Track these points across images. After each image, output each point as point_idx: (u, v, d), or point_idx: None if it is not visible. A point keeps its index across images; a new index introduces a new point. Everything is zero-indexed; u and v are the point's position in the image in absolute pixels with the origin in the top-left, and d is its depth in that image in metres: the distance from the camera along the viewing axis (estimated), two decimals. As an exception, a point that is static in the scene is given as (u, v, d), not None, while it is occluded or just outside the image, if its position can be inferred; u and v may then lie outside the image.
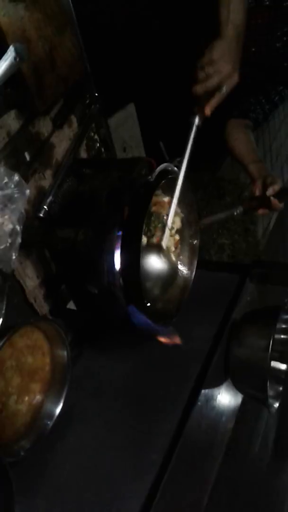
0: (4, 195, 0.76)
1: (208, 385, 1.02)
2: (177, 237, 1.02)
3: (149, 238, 0.96)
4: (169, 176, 0.92)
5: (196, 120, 1.02)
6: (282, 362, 1.20)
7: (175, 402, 0.98)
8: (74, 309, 1.05)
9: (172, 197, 0.95)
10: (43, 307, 1.03)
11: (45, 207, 0.92)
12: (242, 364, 1.10)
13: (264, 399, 1.07)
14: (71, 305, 1.05)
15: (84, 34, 0.98)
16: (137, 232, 0.83)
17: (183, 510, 0.95)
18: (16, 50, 0.74)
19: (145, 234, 0.93)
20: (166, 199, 0.99)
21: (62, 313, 1.05)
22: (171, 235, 0.99)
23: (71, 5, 0.92)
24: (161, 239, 0.96)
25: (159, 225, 0.96)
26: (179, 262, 1.05)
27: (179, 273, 1.06)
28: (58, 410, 0.96)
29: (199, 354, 1.06)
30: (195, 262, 1.07)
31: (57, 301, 1.04)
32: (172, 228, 0.99)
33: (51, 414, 0.96)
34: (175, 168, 0.96)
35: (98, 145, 1.14)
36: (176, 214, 1.00)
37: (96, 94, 1.07)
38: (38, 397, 0.96)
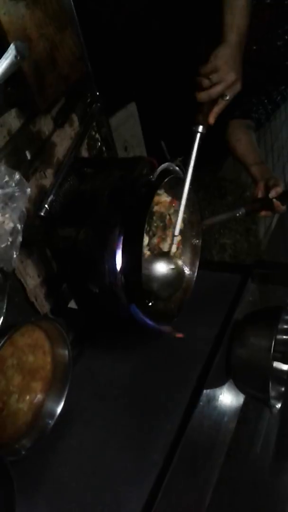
0: (5, 193, 0.76)
1: (210, 385, 1.02)
2: (179, 237, 1.02)
3: (150, 237, 0.95)
4: (171, 176, 0.92)
5: (200, 129, 1.01)
6: (284, 362, 1.19)
7: (177, 402, 0.97)
8: (75, 308, 1.05)
9: (178, 204, 0.95)
10: (44, 306, 1.02)
11: (46, 206, 0.92)
12: (244, 364, 1.10)
13: (266, 400, 1.07)
14: (72, 304, 1.05)
15: (85, 33, 0.97)
16: (139, 231, 0.83)
17: (185, 510, 0.94)
18: (17, 49, 0.73)
19: (147, 234, 0.93)
20: (168, 198, 0.98)
21: (63, 312, 1.05)
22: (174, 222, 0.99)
23: (72, 4, 0.92)
24: (170, 246, 0.97)
25: (161, 224, 0.96)
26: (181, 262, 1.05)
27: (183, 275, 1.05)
28: (59, 409, 0.96)
29: (200, 354, 1.06)
30: (197, 263, 1.06)
31: (58, 300, 1.04)
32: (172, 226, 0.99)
33: (52, 413, 0.96)
34: (177, 168, 0.96)
35: (99, 144, 1.13)
36: (177, 214, 1.00)
37: (97, 93, 1.07)
38: (39, 396, 0.96)
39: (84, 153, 1.09)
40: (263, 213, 1.37)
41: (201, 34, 1.10)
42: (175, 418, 0.94)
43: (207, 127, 1.03)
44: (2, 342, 0.80)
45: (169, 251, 0.97)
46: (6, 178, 0.77)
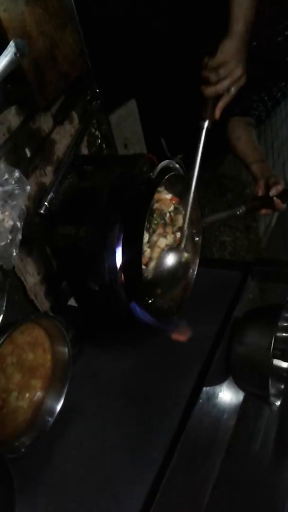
0: (4, 191, 0.76)
1: (210, 383, 1.02)
2: (178, 234, 1.02)
3: (150, 235, 0.95)
4: (171, 173, 0.92)
5: (206, 124, 1.00)
6: (284, 360, 1.19)
7: (177, 399, 0.97)
8: (75, 306, 1.05)
9: (185, 204, 0.96)
10: (44, 304, 1.02)
11: (46, 203, 0.92)
12: (244, 362, 1.10)
13: (265, 397, 1.07)
14: (72, 302, 1.05)
15: (85, 30, 0.97)
16: (139, 229, 0.83)
17: (184, 507, 0.95)
18: (16, 46, 0.73)
19: (147, 231, 0.93)
20: (168, 196, 0.98)
21: (63, 310, 1.05)
22: (172, 232, 0.99)
23: (72, 1, 0.92)
24: (181, 241, 0.98)
25: (161, 221, 0.96)
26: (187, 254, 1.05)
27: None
28: (58, 407, 0.96)
29: (200, 352, 1.05)
30: (197, 260, 1.06)
31: (58, 298, 1.04)
32: (174, 225, 0.99)
33: (51, 411, 0.96)
34: (177, 165, 0.95)
35: (99, 141, 1.13)
36: (177, 212, 1.00)
37: (97, 90, 1.07)
38: (39, 394, 0.96)
39: (84, 151, 1.09)
40: (263, 211, 1.37)
41: (203, 32, 1.09)
42: (174, 415, 0.94)
43: (212, 122, 1.01)
44: (1, 340, 0.79)
45: (179, 244, 0.98)
46: (6, 176, 0.77)
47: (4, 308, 0.81)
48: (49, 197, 0.93)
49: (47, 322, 0.94)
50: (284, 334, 1.18)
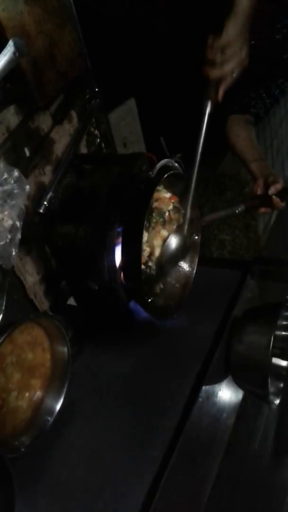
0: (3, 191, 0.76)
1: (209, 381, 1.02)
2: (174, 226, 1.02)
3: (150, 234, 0.95)
4: (170, 172, 0.92)
5: (209, 105, 0.98)
6: (283, 358, 1.19)
7: (176, 398, 0.97)
8: (75, 305, 1.05)
9: (187, 190, 0.98)
10: (43, 303, 1.02)
11: (45, 203, 0.92)
12: (243, 360, 1.10)
13: (264, 396, 1.07)
14: (71, 301, 1.05)
15: (84, 29, 0.97)
16: (139, 228, 0.83)
17: (184, 506, 0.95)
18: (15, 45, 0.73)
19: (146, 230, 0.93)
20: (167, 194, 0.98)
21: (62, 309, 1.05)
22: (173, 218, 1.00)
23: (71, 0, 0.91)
24: (184, 226, 1.00)
25: (161, 220, 0.96)
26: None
27: (180, 269, 1.05)
28: (58, 406, 0.96)
29: (200, 351, 1.06)
30: (196, 259, 1.07)
31: (58, 297, 1.04)
32: (172, 222, 0.99)
33: (51, 410, 0.96)
34: (176, 164, 0.95)
35: (98, 140, 1.13)
36: (177, 210, 1.00)
37: (96, 89, 1.07)
38: (39, 393, 0.96)
39: (83, 150, 1.08)
40: (262, 209, 1.37)
41: (202, 31, 1.08)
42: (174, 414, 0.94)
43: (215, 104, 0.99)
44: (1, 339, 0.80)
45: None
46: (5, 175, 0.77)
47: (3, 308, 0.81)
48: (48, 196, 0.93)
49: (47, 321, 0.94)
50: (283, 333, 1.18)
